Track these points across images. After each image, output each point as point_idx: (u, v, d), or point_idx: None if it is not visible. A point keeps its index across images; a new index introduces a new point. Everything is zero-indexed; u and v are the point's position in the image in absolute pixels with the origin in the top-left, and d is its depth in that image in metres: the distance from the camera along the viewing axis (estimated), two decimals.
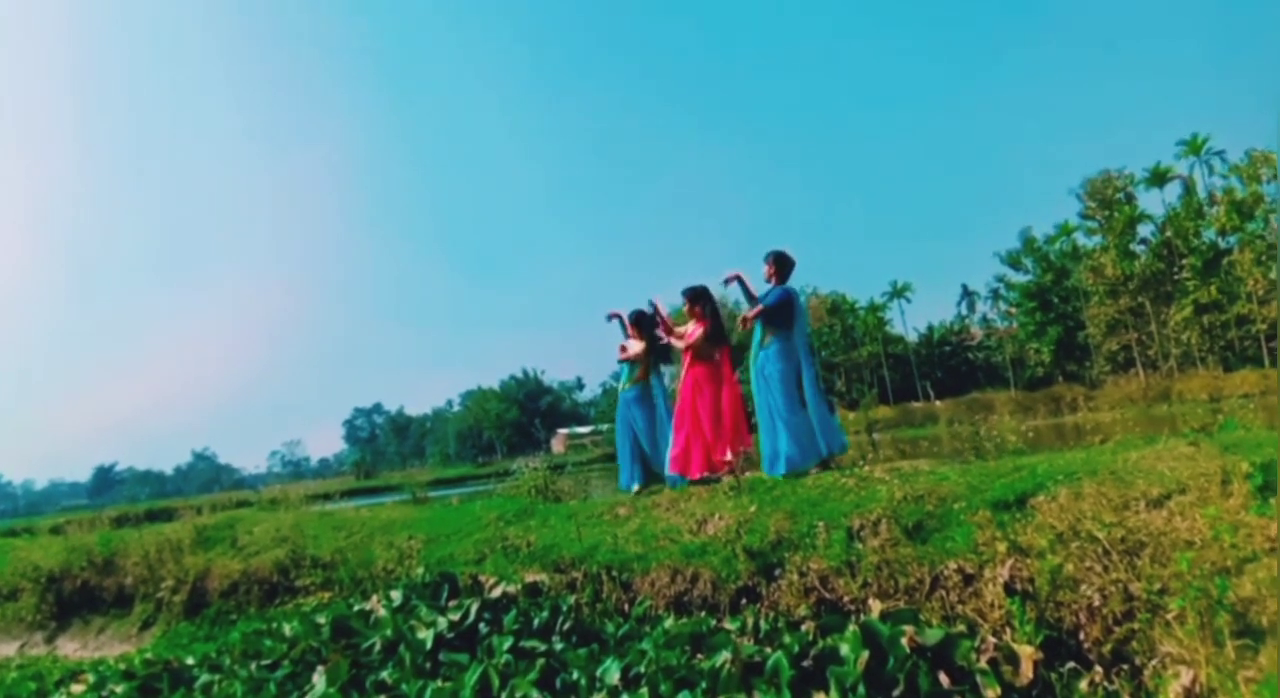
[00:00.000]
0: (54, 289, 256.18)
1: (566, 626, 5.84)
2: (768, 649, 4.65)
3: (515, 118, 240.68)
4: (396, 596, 6.86)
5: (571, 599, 6.26)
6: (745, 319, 8.25)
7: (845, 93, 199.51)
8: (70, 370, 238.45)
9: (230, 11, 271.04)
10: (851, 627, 4.56)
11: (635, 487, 8.83)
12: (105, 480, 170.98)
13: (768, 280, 8.21)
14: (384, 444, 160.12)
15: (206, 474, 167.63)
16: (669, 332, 9.00)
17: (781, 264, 8.19)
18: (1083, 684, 4.10)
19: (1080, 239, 74.85)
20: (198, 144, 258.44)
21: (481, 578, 7.13)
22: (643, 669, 4.78)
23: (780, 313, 8.05)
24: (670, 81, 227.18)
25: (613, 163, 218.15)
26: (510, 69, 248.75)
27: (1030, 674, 4.15)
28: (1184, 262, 66.06)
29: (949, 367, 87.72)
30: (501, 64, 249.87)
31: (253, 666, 6.34)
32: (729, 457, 8.23)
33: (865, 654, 4.29)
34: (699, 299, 8.72)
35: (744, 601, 5.81)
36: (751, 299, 8.22)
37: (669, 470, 8.51)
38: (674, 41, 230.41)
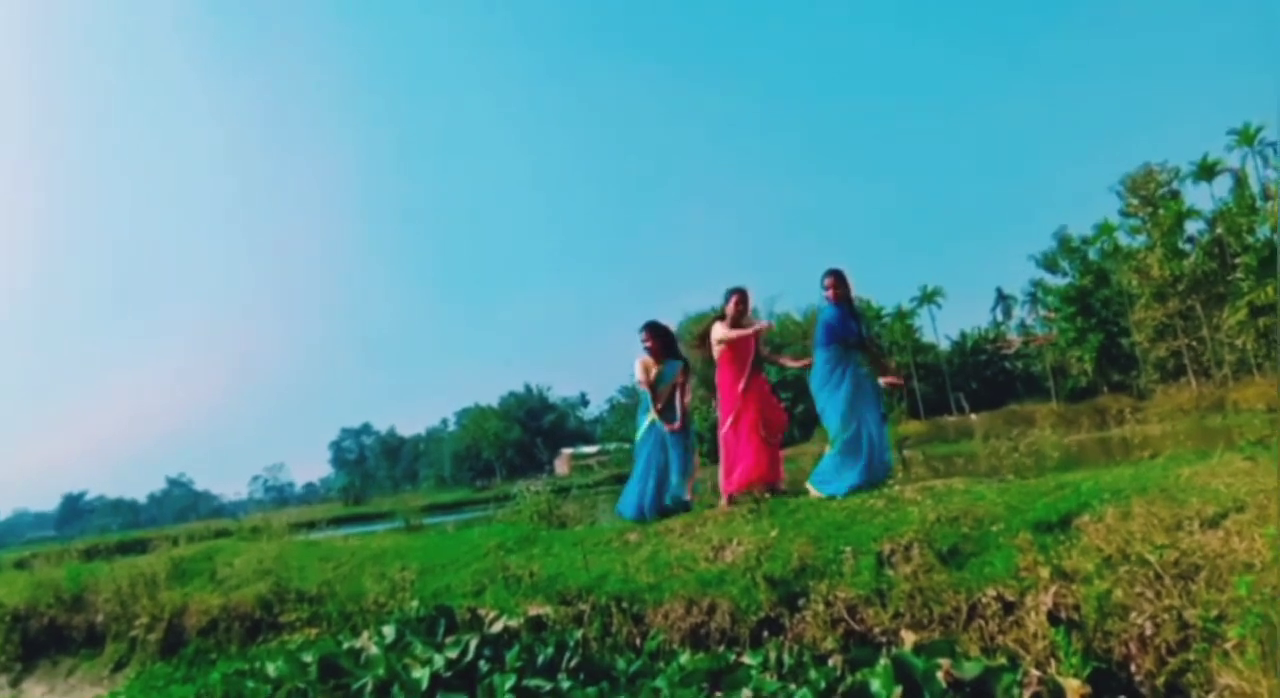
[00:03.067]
0: (18, 311, 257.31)
1: (573, 662, 5.83)
2: (792, 686, 4.64)
3: (511, 118, 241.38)
4: (389, 631, 6.85)
5: (578, 634, 6.26)
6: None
7: (868, 85, 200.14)
8: (36, 394, 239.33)
9: (203, 23, 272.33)
10: (883, 661, 4.55)
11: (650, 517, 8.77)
12: (74, 510, 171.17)
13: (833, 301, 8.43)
14: (374, 467, 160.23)
15: (183, 502, 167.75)
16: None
17: (840, 281, 8.37)
18: None
19: (1122, 238, 74.71)
20: (168, 158, 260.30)
21: (481, 611, 7.13)
22: None
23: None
24: (681, 76, 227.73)
25: (620, 166, 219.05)
26: (507, 69, 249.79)
27: None
28: (1237, 261, 65.83)
29: (984, 377, 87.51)
30: (499, 64, 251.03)
31: None
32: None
33: (898, 690, 4.28)
34: (745, 300, 8.87)
35: (766, 633, 5.79)
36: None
37: (729, 489, 8.58)
38: (688, 36, 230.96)
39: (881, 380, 8.65)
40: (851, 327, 8.33)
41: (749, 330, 8.75)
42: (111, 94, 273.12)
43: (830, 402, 8.28)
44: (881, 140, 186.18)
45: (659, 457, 9.01)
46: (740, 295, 8.82)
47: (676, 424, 8.97)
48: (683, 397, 9.20)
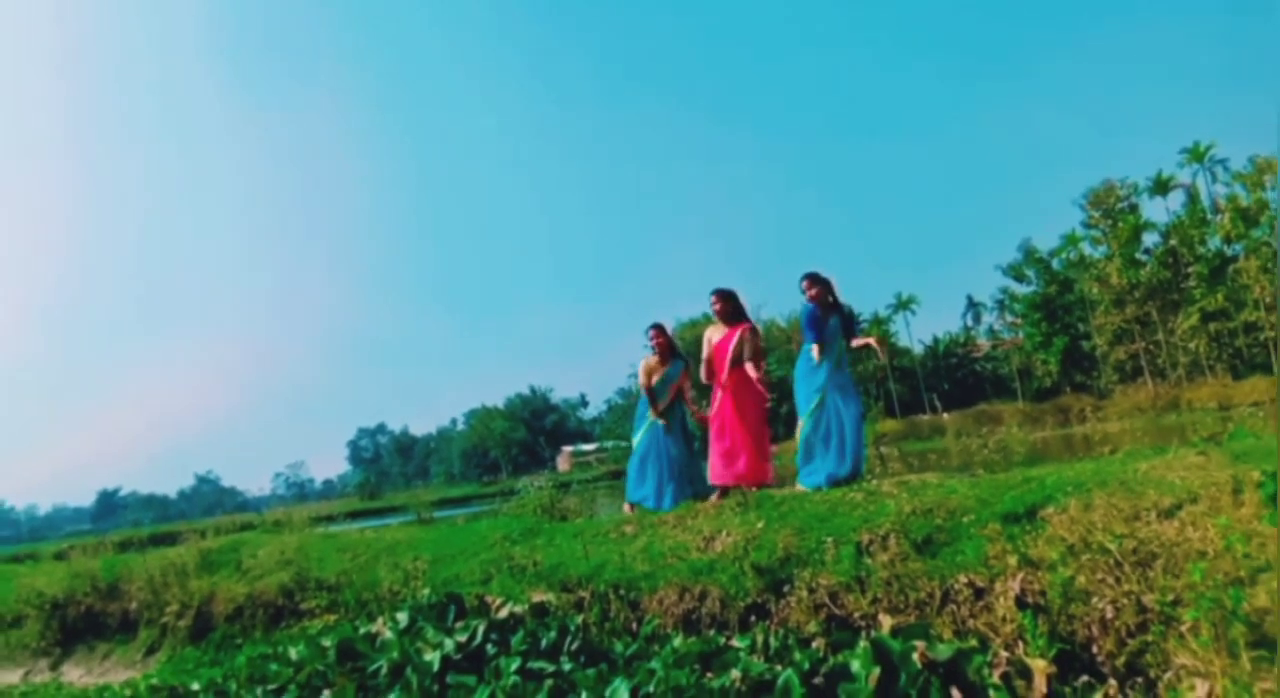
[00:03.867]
0: (54, 312, 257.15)
1: (574, 646, 5.81)
2: (778, 667, 4.62)
3: (514, 137, 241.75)
4: (402, 617, 6.83)
5: (579, 619, 6.24)
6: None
7: (846, 105, 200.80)
8: (72, 395, 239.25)
9: (225, 49, 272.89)
10: (862, 643, 4.54)
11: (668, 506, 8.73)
12: (109, 505, 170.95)
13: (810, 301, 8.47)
14: (388, 465, 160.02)
15: (210, 498, 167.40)
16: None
17: (814, 282, 8.36)
18: None
19: (1085, 249, 74.85)
20: (192, 173, 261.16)
21: (488, 599, 7.11)
22: (652, 689, 4.76)
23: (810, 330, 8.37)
24: (672, 96, 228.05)
25: (618, 187, 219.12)
26: (507, 86, 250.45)
27: (1043, 689, 4.13)
28: (1190, 270, 66.03)
29: (956, 379, 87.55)
30: (498, 79, 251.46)
31: (259, 690, 6.32)
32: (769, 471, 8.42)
33: (877, 671, 4.27)
34: (730, 299, 8.83)
35: (753, 618, 5.78)
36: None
37: (711, 480, 8.59)
38: (677, 59, 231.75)
39: (855, 342, 8.66)
40: (824, 323, 8.32)
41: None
42: (140, 112, 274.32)
43: (802, 392, 8.32)
44: (858, 157, 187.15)
45: (668, 459, 9.02)
46: (716, 295, 8.92)
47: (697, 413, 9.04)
48: (684, 396, 9.21)
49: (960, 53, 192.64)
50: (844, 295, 8.55)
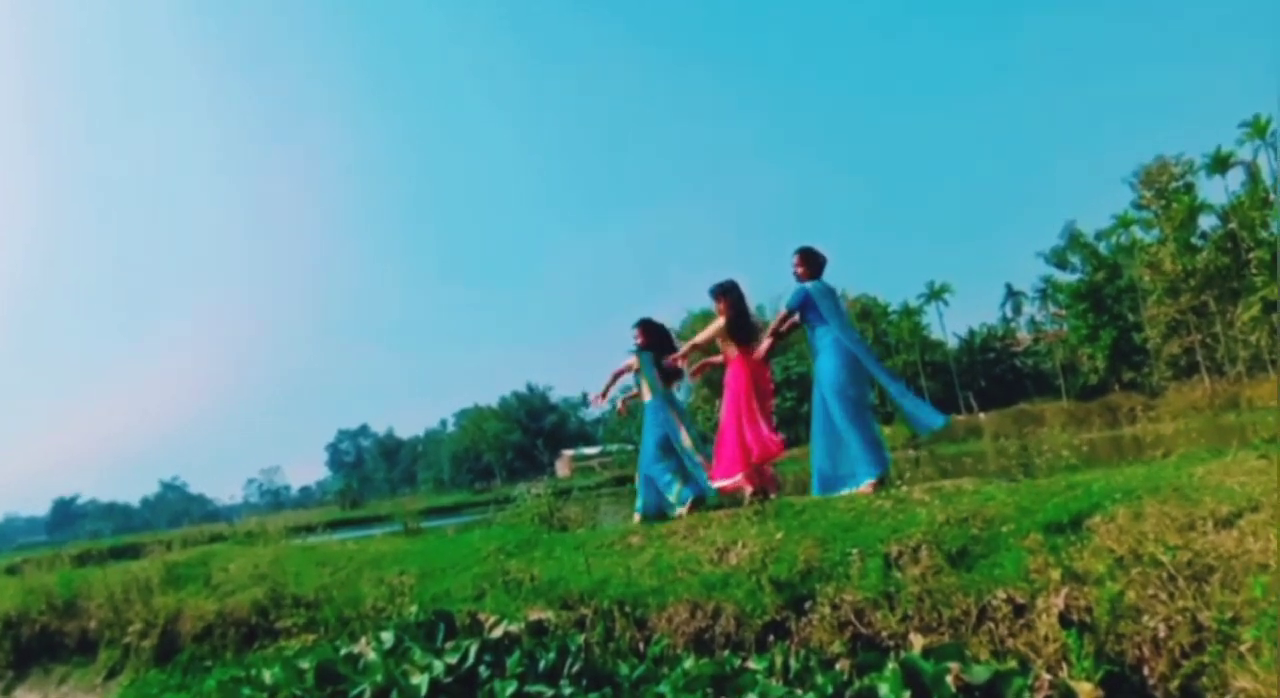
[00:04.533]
0: (9, 311, 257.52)
1: (575, 668, 5.83)
2: (798, 691, 4.64)
3: (510, 110, 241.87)
4: (387, 637, 6.86)
5: (580, 639, 6.25)
6: (772, 330, 8.59)
7: (874, 76, 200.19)
8: (27, 397, 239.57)
9: (201, 21, 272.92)
10: (891, 665, 4.55)
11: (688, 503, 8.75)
12: (65, 514, 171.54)
13: (799, 279, 8.49)
14: (371, 470, 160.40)
15: (176, 506, 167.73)
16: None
17: (809, 260, 8.38)
18: None
19: (1136, 232, 74.64)
20: (164, 159, 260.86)
21: (481, 616, 7.13)
22: None
23: (807, 313, 8.37)
24: (685, 65, 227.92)
25: (622, 158, 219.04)
26: (506, 58, 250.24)
27: None
28: (1251, 255, 65.82)
29: (993, 375, 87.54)
30: (496, 55, 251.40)
31: None
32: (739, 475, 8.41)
33: (907, 695, 4.28)
34: (725, 293, 8.89)
35: (771, 637, 5.79)
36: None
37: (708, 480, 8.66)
38: (691, 28, 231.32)
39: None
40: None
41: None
42: (109, 94, 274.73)
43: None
44: (888, 134, 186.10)
45: (644, 454, 9.18)
46: (714, 291, 9.06)
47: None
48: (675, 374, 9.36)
49: (996, 19, 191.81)
50: (870, 283, 8.59)
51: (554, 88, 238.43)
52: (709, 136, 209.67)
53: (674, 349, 9.47)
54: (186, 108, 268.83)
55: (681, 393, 9.73)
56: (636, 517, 9.12)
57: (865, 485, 7.68)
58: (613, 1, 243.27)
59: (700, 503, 8.69)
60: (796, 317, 8.46)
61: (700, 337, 9.11)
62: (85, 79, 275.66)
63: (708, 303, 9.20)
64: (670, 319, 10.14)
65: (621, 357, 9.54)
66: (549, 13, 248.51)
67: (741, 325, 8.89)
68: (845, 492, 7.75)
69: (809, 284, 8.40)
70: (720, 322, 8.87)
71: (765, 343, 8.83)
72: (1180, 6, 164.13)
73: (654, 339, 9.39)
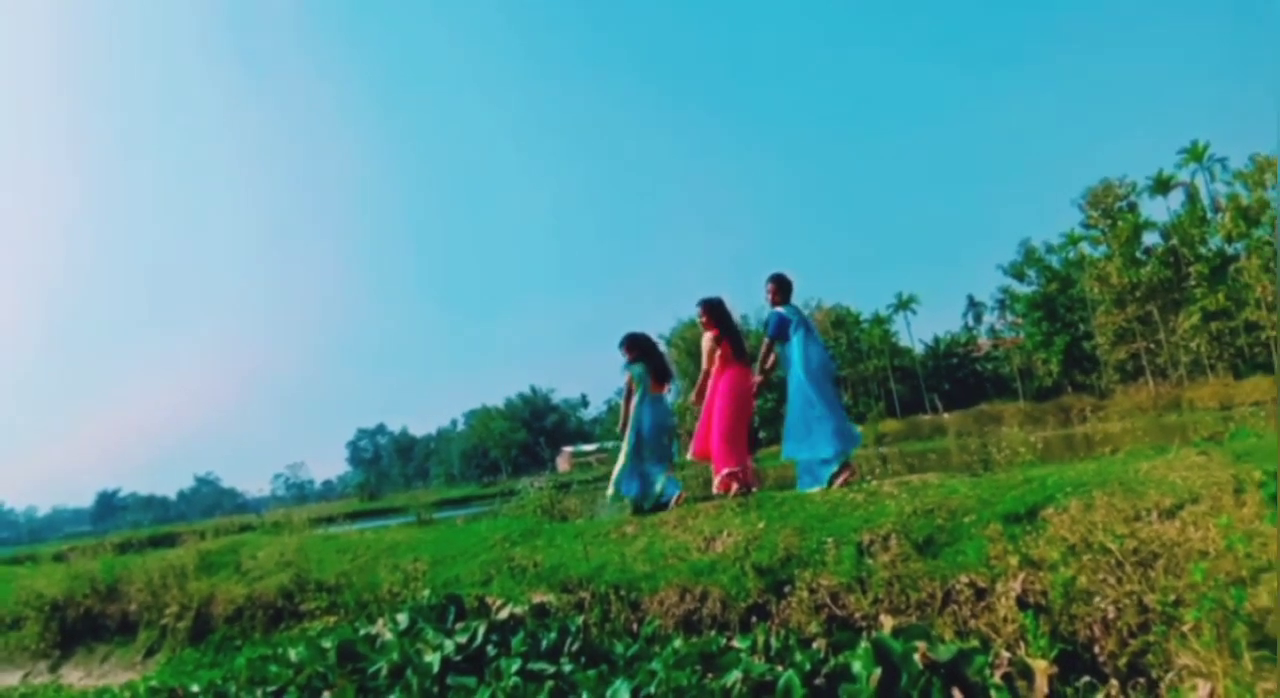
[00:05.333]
0: (54, 312, 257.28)
1: (575, 647, 5.81)
2: (779, 668, 4.62)
3: (514, 136, 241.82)
4: (402, 619, 6.83)
5: (579, 620, 6.24)
6: (761, 364, 8.85)
7: (847, 104, 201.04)
8: (72, 396, 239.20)
9: (225, 51, 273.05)
10: (863, 644, 4.54)
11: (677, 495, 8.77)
12: (108, 507, 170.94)
13: (772, 305, 8.67)
14: (388, 465, 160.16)
15: (209, 499, 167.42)
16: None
17: (780, 287, 8.48)
18: None
19: (1086, 248, 74.78)
20: (192, 175, 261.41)
21: (488, 600, 7.11)
22: (653, 690, 4.76)
23: (781, 335, 8.57)
24: (672, 94, 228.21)
25: (618, 182, 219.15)
26: (510, 84, 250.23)
27: (1045, 689, 4.13)
28: (1190, 269, 66.01)
29: (956, 378, 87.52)
30: (501, 80, 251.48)
31: (258, 692, 6.32)
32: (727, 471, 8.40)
33: (878, 672, 4.27)
34: (708, 310, 8.90)
35: (754, 619, 5.78)
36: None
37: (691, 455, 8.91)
38: (677, 57, 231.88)
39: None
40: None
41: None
42: (139, 116, 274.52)
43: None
44: (859, 156, 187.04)
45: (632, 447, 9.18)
46: (701, 306, 9.02)
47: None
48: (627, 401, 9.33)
49: (960, 49, 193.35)
50: (844, 295, 8.65)
51: (558, 120, 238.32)
52: (700, 170, 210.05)
53: (660, 356, 9.49)
54: (215, 134, 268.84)
55: (671, 394, 9.71)
56: (627, 505, 9.09)
57: (838, 468, 7.78)
58: (612, 44, 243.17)
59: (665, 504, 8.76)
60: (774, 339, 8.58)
61: (706, 364, 9.01)
62: (120, 102, 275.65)
63: (694, 311, 9.18)
64: (660, 327, 10.03)
65: (614, 365, 9.54)
66: (557, 51, 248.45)
67: (730, 334, 8.89)
68: (827, 475, 7.85)
69: (781, 309, 8.58)
70: (709, 337, 8.87)
71: (757, 378, 8.87)
72: (1124, 41, 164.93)
73: (640, 351, 9.36)
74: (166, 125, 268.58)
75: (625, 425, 9.16)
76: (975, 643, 4.54)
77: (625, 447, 9.10)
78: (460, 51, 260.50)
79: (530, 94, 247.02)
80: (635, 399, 9.20)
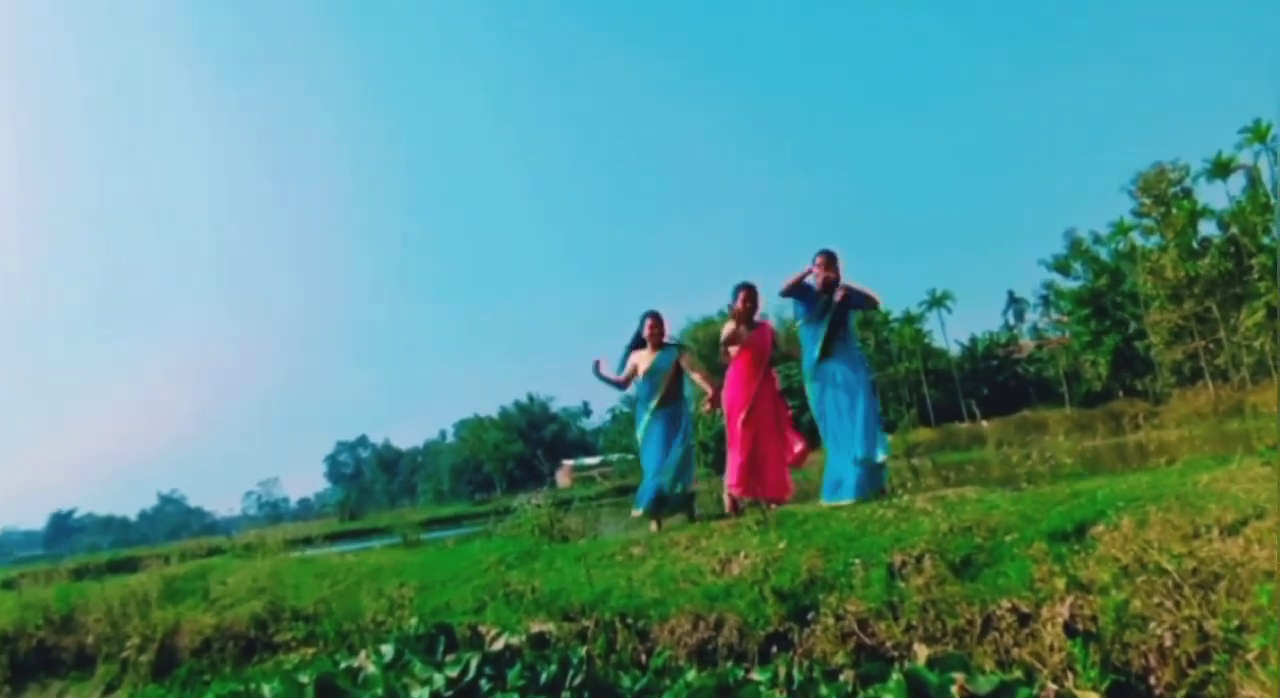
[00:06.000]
0: (4, 325, 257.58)
1: (577, 680, 5.82)
2: None
3: (508, 118, 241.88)
4: (387, 650, 6.85)
5: (582, 651, 6.24)
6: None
7: (874, 86, 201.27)
8: (23, 410, 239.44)
9: (198, 33, 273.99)
10: (895, 675, 4.54)
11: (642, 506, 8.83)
12: (62, 528, 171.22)
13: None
14: (370, 481, 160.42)
15: (174, 519, 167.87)
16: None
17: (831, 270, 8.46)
18: None
19: (1137, 239, 74.66)
20: (158, 171, 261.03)
21: (481, 629, 7.13)
22: None
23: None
24: (682, 77, 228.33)
25: (620, 171, 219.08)
26: (503, 65, 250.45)
27: None
28: (1253, 261, 65.83)
29: (996, 382, 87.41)
30: (493, 61, 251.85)
31: None
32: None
33: None
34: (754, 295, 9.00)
35: (774, 648, 5.78)
36: None
37: (736, 487, 8.71)
38: (690, 33, 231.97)
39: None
40: (811, 302, 8.47)
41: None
42: (102, 107, 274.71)
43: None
44: (887, 142, 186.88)
45: (663, 447, 9.14)
46: (748, 291, 8.88)
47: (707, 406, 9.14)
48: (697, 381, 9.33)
49: (997, 23, 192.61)
50: (870, 288, 8.55)
51: (556, 105, 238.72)
52: (713, 152, 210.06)
53: (675, 343, 9.58)
54: (185, 126, 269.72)
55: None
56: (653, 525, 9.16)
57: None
58: (616, 17, 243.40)
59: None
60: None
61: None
62: (80, 92, 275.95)
63: (710, 309, 9.25)
64: (670, 326, 10.03)
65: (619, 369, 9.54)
66: (554, 32, 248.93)
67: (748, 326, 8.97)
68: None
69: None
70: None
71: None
72: (1178, 14, 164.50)
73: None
74: (131, 108, 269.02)
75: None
76: (1018, 674, 4.54)
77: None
78: (454, 40, 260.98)
79: (526, 76, 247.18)
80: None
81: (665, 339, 9.43)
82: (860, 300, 8.50)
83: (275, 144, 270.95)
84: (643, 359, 9.29)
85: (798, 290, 8.42)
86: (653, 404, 9.25)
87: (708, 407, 9.17)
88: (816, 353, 8.41)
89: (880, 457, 8.18)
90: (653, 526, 9.10)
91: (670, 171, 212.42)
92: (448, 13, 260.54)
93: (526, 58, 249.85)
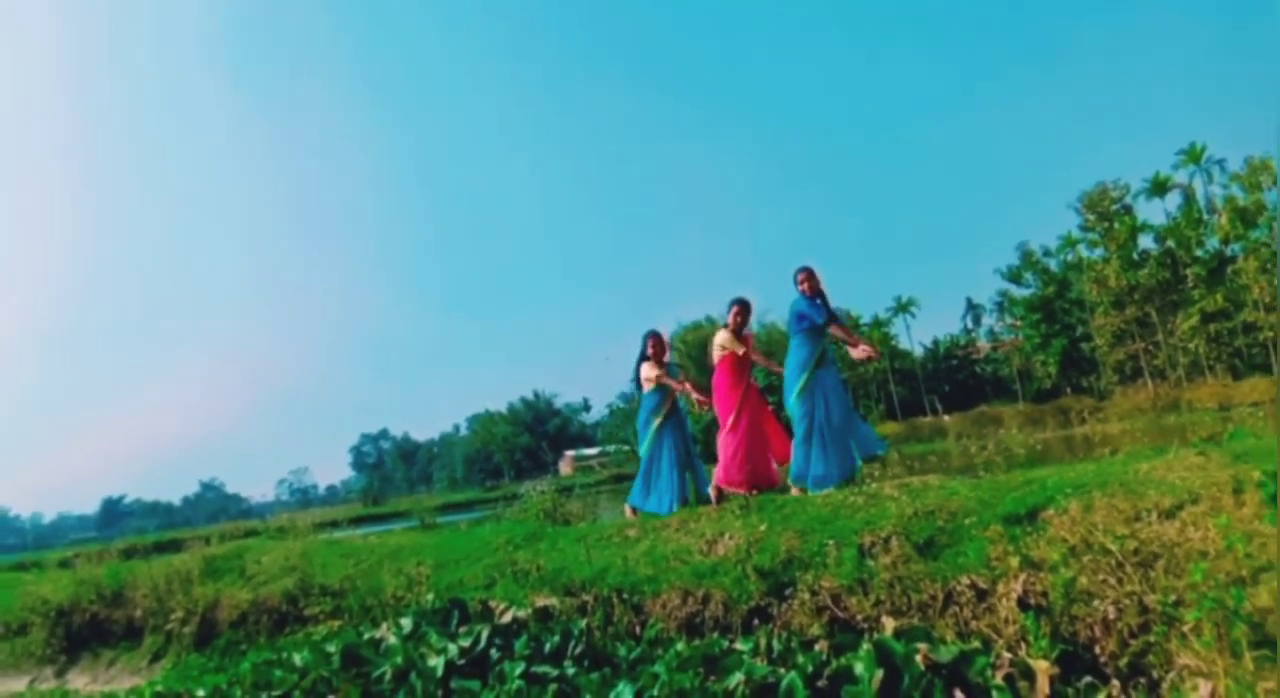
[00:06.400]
0: (58, 318, 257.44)
1: (578, 650, 5.81)
2: (781, 670, 4.62)
3: (516, 141, 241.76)
4: (406, 623, 6.83)
5: (583, 623, 6.22)
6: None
7: (846, 108, 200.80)
8: (76, 402, 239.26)
9: (224, 60, 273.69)
10: (865, 645, 4.53)
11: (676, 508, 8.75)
12: (113, 513, 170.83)
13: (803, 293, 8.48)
14: (391, 470, 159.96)
15: (214, 504, 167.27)
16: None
17: (810, 276, 8.36)
18: None
19: (1083, 251, 74.73)
20: (192, 182, 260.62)
21: (491, 603, 7.10)
22: (656, 693, 4.75)
23: None
24: (671, 95, 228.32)
25: (618, 189, 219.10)
26: (506, 84, 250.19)
27: (1046, 690, 4.12)
28: (1188, 271, 65.99)
29: (956, 381, 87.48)
30: (498, 80, 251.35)
31: (263, 696, 6.32)
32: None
33: (880, 673, 4.26)
34: (747, 310, 9.01)
35: (756, 621, 5.78)
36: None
37: (728, 482, 8.62)
38: (675, 57, 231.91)
39: (854, 353, 8.58)
40: (821, 311, 8.27)
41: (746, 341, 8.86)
42: (144, 123, 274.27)
43: (793, 388, 8.30)
44: (858, 160, 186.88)
45: (681, 454, 9.08)
46: (741, 306, 8.92)
47: (703, 399, 9.07)
48: (689, 395, 9.26)
49: (957, 51, 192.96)
50: (844, 298, 8.52)
51: (559, 129, 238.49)
52: (705, 171, 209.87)
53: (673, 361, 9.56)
54: (215, 142, 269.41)
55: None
56: (628, 509, 9.13)
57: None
58: (616, 47, 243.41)
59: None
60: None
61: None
62: (121, 111, 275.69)
63: (698, 314, 9.24)
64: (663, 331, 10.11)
65: (615, 369, 9.54)
66: (557, 57, 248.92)
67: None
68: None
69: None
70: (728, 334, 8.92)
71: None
72: (1120, 43, 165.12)
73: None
74: (170, 132, 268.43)
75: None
76: (977, 644, 4.53)
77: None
78: (458, 54, 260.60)
79: (530, 96, 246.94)
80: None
81: (665, 357, 9.42)
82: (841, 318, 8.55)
83: (298, 167, 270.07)
84: (654, 372, 9.27)
85: (815, 304, 8.32)
86: (664, 412, 9.22)
87: (701, 404, 9.12)
88: (814, 361, 8.30)
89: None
90: (628, 509, 9.15)
91: (662, 192, 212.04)
92: (463, 42, 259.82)
93: (535, 84, 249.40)
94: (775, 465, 8.74)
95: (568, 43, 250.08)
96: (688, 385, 9.23)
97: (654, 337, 9.40)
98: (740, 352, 8.79)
